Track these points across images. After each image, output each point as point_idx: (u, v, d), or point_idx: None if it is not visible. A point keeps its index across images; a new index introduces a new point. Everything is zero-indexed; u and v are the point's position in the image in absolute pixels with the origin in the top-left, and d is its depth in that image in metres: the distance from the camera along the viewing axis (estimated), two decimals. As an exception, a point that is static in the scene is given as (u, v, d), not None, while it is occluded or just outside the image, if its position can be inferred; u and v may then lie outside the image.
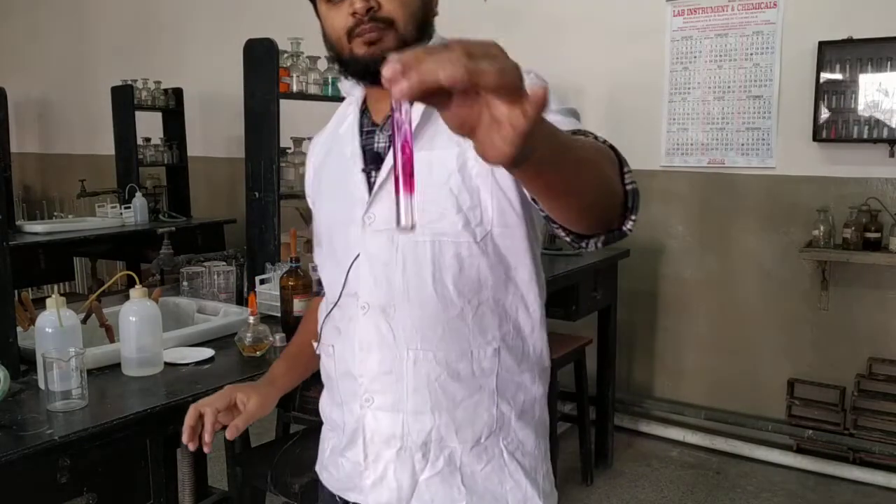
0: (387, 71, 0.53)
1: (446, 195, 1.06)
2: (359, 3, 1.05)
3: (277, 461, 1.96)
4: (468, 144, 1.05)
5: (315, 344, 1.27)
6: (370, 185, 1.13)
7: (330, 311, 1.20)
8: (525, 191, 0.81)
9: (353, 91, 1.19)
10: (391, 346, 1.11)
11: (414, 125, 1.07)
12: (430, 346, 1.09)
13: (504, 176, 1.05)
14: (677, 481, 3.29)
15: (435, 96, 0.56)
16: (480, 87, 0.54)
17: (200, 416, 1.23)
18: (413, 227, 0.59)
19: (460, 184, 1.06)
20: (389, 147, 1.11)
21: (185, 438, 1.23)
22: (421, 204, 1.05)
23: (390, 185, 1.05)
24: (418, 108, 1.11)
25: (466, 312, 1.09)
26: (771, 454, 3.39)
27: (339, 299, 1.17)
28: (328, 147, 1.26)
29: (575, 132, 0.87)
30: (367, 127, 1.18)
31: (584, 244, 0.87)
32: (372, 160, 1.14)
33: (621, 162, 0.83)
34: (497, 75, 0.54)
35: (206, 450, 1.23)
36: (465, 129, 0.59)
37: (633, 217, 0.84)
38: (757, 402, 3.54)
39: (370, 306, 1.12)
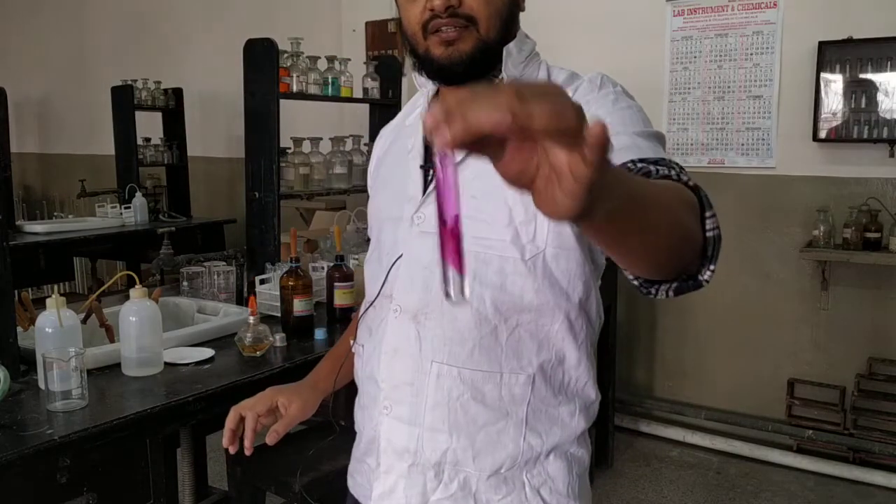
0: (428, 119, 0.49)
1: (499, 205, 0.99)
2: None
3: (304, 462, 1.95)
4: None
5: (351, 341, 1.23)
6: (427, 184, 1.07)
7: (366, 310, 1.15)
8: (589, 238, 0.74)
9: (426, 83, 1.11)
10: (416, 355, 1.05)
11: None
12: (457, 361, 1.02)
13: None
14: (677, 481, 3.29)
15: (486, 146, 0.50)
16: (531, 132, 0.48)
17: (241, 419, 1.22)
18: (464, 300, 0.52)
19: (516, 194, 1.01)
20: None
21: (225, 442, 1.22)
22: (472, 212, 0.97)
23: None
24: None
25: (501, 332, 1.02)
26: (771, 454, 3.39)
27: (375, 299, 1.12)
28: (393, 138, 1.21)
29: (656, 161, 0.81)
30: None
31: (653, 290, 0.80)
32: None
33: (703, 206, 0.75)
34: (549, 117, 0.47)
35: (247, 453, 1.22)
36: (522, 181, 0.52)
37: (711, 267, 0.76)
38: (757, 402, 3.54)
39: (402, 310, 1.06)
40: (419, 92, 1.16)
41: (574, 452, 1.08)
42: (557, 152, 0.49)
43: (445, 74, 1.05)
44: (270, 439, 1.22)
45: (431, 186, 1.05)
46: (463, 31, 1.01)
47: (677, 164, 0.81)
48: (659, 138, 0.94)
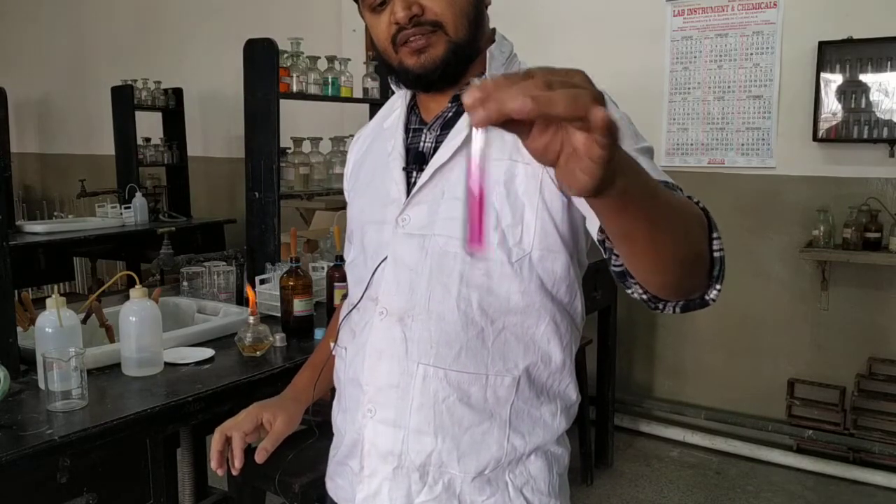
0: (467, 98, 0.54)
1: (487, 208, 1.01)
2: (400, 11, 0.99)
3: (285, 464, 1.95)
4: (519, 157, 0.97)
5: (332, 344, 1.22)
6: (409, 186, 1.07)
7: (349, 313, 1.15)
8: (607, 233, 0.77)
9: (404, 88, 1.13)
10: (402, 358, 1.04)
11: (464, 136, 1.02)
12: (443, 363, 1.02)
13: (553, 197, 0.99)
14: (677, 481, 3.29)
15: (516, 124, 0.54)
16: (551, 117, 0.53)
17: (227, 440, 1.22)
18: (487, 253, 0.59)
19: (504, 198, 0.99)
20: (435, 148, 1.06)
21: (213, 464, 1.22)
22: (458, 214, 1.00)
23: (429, 189, 1.04)
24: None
25: (487, 334, 1.02)
26: (771, 454, 3.39)
27: (359, 301, 1.11)
28: (370, 141, 1.21)
29: (664, 184, 0.82)
30: (415, 125, 1.12)
31: (661, 306, 0.83)
32: (415, 159, 1.08)
33: (711, 226, 0.78)
34: (567, 104, 0.52)
35: (234, 473, 1.22)
36: (546, 158, 0.57)
37: (717, 286, 0.80)
38: (757, 402, 3.54)
39: (388, 312, 1.06)
40: (395, 94, 1.17)
41: (554, 452, 1.09)
42: (576, 134, 0.54)
43: (423, 82, 1.05)
44: (260, 458, 1.21)
45: (416, 188, 1.05)
46: (431, 36, 1.01)
47: (680, 187, 0.85)
48: (651, 153, 0.97)
